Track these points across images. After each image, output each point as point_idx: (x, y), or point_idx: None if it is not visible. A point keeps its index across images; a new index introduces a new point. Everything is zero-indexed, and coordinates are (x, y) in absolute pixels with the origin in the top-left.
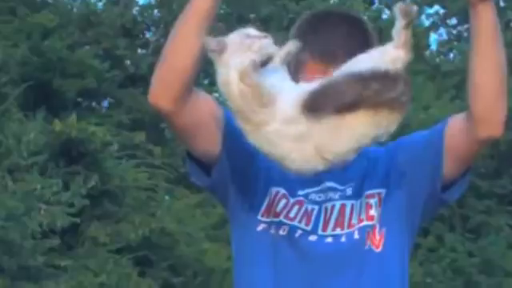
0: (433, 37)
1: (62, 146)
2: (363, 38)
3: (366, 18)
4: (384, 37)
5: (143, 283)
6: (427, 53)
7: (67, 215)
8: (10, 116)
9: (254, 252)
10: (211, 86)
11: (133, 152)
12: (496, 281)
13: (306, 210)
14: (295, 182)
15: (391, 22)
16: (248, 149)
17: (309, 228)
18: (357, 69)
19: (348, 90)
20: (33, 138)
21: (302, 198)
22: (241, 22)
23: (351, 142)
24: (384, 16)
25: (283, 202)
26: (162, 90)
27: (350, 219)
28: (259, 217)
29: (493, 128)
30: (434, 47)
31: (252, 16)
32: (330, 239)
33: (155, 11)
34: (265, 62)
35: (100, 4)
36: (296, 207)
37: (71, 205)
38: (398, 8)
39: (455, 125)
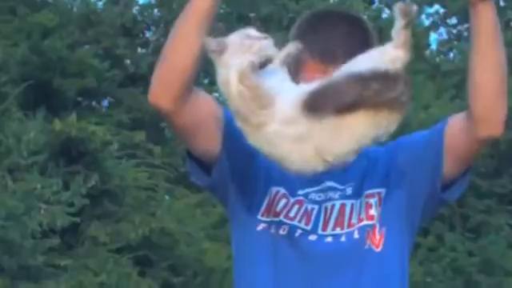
0: (433, 36)
1: (61, 146)
2: (363, 37)
3: (365, 17)
4: (384, 36)
5: (143, 283)
6: (427, 52)
7: (67, 215)
8: (10, 115)
9: (254, 252)
10: (211, 85)
11: (133, 151)
12: (496, 280)
13: (306, 209)
14: (295, 181)
15: (391, 22)
16: (248, 149)
17: (309, 227)
18: (357, 69)
19: (348, 90)
20: (33, 137)
21: (301, 198)
22: (241, 21)
23: (351, 143)
24: (384, 15)
25: (283, 201)
26: (161, 90)
27: (350, 219)
28: (259, 216)
29: (493, 127)
30: (434, 47)
31: (252, 15)
32: (329, 239)
33: (155, 10)
34: (264, 64)
35: (100, 3)
36: (296, 207)
37: (71, 204)
38: (397, 8)
39: (455, 124)
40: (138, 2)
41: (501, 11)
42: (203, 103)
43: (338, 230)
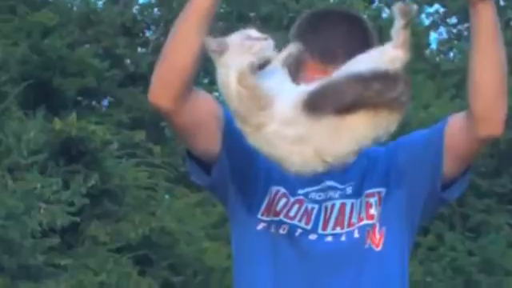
0: (433, 36)
1: (61, 145)
2: (363, 36)
3: (365, 16)
4: (384, 36)
5: (143, 282)
6: (427, 52)
7: (67, 214)
8: (10, 115)
9: (254, 251)
10: (211, 84)
11: (133, 151)
12: (496, 280)
13: (306, 208)
14: (295, 181)
15: (391, 21)
16: (248, 149)
17: (309, 227)
18: (357, 69)
19: (348, 91)
20: (33, 136)
21: (302, 197)
22: (241, 20)
23: (351, 144)
24: (384, 15)
25: (283, 200)
26: (161, 89)
27: (350, 218)
28: (259, 216)
29: (493, 127)
30: (434, 46)
31: (252, 15)
32: (329, 238)
33: (155, 10)
34: (263, 65)
35: (100, 3)
36: (296, 206)
37: (71, 204)
38: (396, 8)
39: (455, 124)
40: (138, 1)
41: (501, 10)
42: (203, 103)
43: (338, 230)
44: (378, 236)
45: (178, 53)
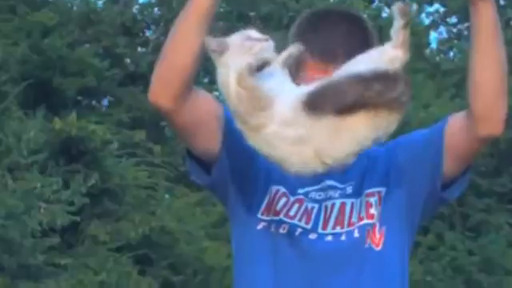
0: (433, 35)
1: (61, 145)
2: (363, 36)
3: (365, 16)
4: (384, 35)
5: (143, 282)
6: (427, 51)
7: (67, 214)
8: (10, 114)
9: (254, 250)
10: (211, 84)
11: (133, 150)
12: (496, 279)
13: (306, 208)
14: (295, 180)
15: (391, 21)
16: (248, 150)
17: (309, 226)
18: (357, 70)
19: (349, 91)
20: (33, 136)
21: (302, 197)
22: (241, 20)
23: (351, 146)
24: (384, 14)
25: (283, 200)
26: (161, 88)
27: (350, 218)
28: (259, 215)
29: (493, 126)
30: (434, 45)
31: (252, 14)
32: (329, 238)
33: (155, 9)
34: (263, 66)
35: (100, 2)
36: (296, 205)
37: (71, 203)
38: (396, 8)
39: (455, 123)
40: (138, 0)
41: (501, 10)
42: (203, 102)
43: (338, 229)
44: (377, 235)
45: (178, 52)
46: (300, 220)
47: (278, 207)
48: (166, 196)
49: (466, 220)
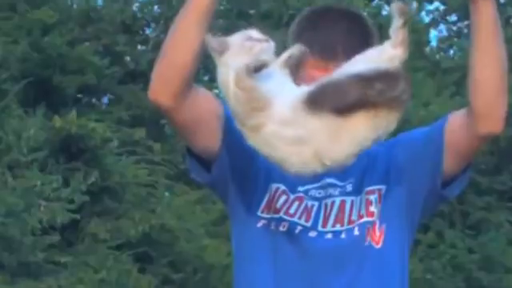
0: (433, 33)
1: (61, 143)
2: (363, 34)
3: (365, 14)
4: (384, 33)
5: (143, 279)
6: (427, 49)
7: (67, 211)
8: (10, 112)
9: (254, 248)
10: (211, 82)
11: (133, 148)
12: (496, 277)
13: (306, 206)
14: (295, 178)
15: (391, 18)
16: (248, 150)
17: (309, 224)
18: (357, 69)
19: (350, 91)
20: (33, 134)
21: (302, 195)
22: (241, 18)
23: (351, 147)
24: (384, 12)
25: (283, 198)
26: (161, 86)
27: (350, 215)
28: (259, 213)
29: (493, 124)
30: (434, 43)
31: (252, 12)
32: (329, 235)
33: (155, 7)
34: (262, 67)
35: (100, 0)
36: (296, 203)
37: (71, 201)
38: (394, 7)
39: (455, 121)
40: None
41: (501, 8)
42: (203, 100)
43: (338, 227)
44: (377, 233)
45: (177, 50)
46: (300, 218)
47: (278, 205)
48: (166, 194)
49: (466, 218)
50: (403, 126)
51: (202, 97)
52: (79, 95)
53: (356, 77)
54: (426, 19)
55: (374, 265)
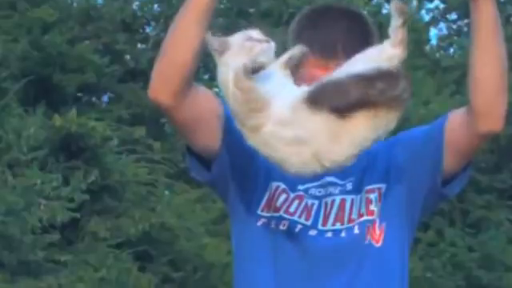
0: (433, 31)
1: (61, 141)
2: (363, 32)
3: (365, 12)
4: (384, 31)
5: (143, 278)
6: (427, 48)
7: (67, 210)
8: (10, 111)
9: (254, 247)
10: (211, 80)
11: (133, 147)
12: (496, 275)
13: (306, 204)
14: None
15: (391, 17)
16: (248, 149)
17: (309, 223)
18: (357, 69)
19: (351, 90)
20: (33, 132)
21: (302, 193)
22: (241, 16)
23: (351, 148)
24: (384, 11)
25: (283, 196)
26: (161, 85)
27: (350, 214)
28: (259, 212)
29: (493, 122)
30: (434, 42)
31: (252, 11)
32: (329, 234)
33: (155, 6)
34: (262, 67)
35: None
36: (296, 202)
37: (71, 200)
38: (393, 6)
39: (455, 119)
40: None
41: (501, 6)
42: (203, 99)
43: (338, 226)
44: (377, 232)
45: (177, 48)
46: (300, 216)
47: (278, 203)
48: (166, 192)
49: (466, 216)
50: (403, 124)
51: (202, 95)
52: (79, 94)
53: (357, 76)
54: (426, 18)
55: (374, 263)
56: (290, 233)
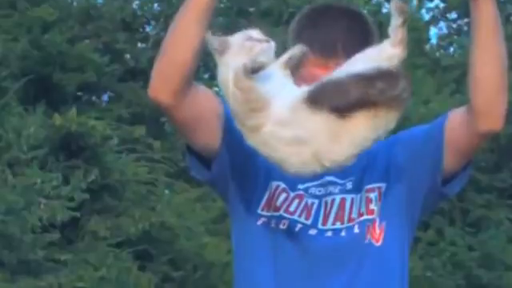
0: (433, 31)
1: (61, 140)
2: (363, 31)
3: (365, 11)
4: (384, 31)
5: (143, 277)
6: (427, 47)
7: (67, 209)
8: (10, 110)
9: (254, 246)
10: (211, 80)
11: (133, 146)
12: (496, 275)
13: (306, 204)
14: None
15: (391, 17)
16: (248, 149)
17: (309, 222)
18: (357, 68)
19: (352, 90)
20: (33, 132)
21: (302, 192)
22: (241, 15)
23: (351, 148)
24: (384, 10)
25: (283, 196)
26: (161, 84)
27: (350, 213)
28: (259, 211)
29: (493, 121)
30: (434, 41)
31: (252, 10)
32: (329, 233)
33: (155, 5)
34: (262, 67)
35: None
36: (296, 201)
37: (71, 199)
38: (393, 6)
39: (455, 118)
40: None
41: (501, 5)
42: (203, 98)
43: (338, 225)
44: (377, 231)
45: (177, 47)
46: (300, 216)
47: (278, 203)
48: (166, 191)
49: (466, 215)
50: (403, 123)
51: (202, 95)
52: (79, 93)
53: (357, 76)
54: (426, 17)
55: (374, 262)
56: (289, 232)
